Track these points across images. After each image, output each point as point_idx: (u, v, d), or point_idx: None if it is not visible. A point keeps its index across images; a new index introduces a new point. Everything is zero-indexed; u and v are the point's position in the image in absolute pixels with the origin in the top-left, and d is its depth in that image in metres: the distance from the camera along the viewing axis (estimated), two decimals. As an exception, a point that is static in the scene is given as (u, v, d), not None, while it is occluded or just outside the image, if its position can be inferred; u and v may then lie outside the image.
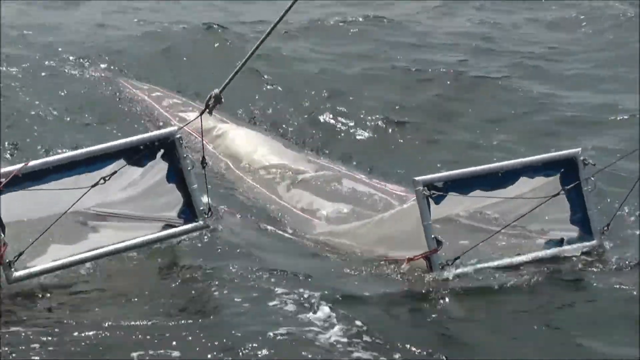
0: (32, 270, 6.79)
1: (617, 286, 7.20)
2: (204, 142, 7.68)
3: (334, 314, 6.50)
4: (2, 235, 6.62)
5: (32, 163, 6.88)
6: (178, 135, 7.17)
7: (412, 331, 6.57)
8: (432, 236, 7.19)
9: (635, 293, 7.07)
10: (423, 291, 7.12)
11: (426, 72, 13.43)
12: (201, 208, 7.26)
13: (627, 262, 7.56)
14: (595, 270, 7.52)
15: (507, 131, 11.29)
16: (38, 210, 6.91)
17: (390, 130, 11.44)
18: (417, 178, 7.31)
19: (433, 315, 6.78)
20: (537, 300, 7.01)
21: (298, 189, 9.18)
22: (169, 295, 6.81)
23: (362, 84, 13.00)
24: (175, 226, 7.26)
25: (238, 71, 6.97)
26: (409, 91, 12.76)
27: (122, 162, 6.99)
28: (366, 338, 6.23)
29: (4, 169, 6.84)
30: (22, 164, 6.82)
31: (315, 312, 6.46)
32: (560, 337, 6.50)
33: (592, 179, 7.57)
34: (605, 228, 7.61)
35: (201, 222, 7.29)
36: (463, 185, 7.35)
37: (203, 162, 7.18)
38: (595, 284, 7.36)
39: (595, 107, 12.02)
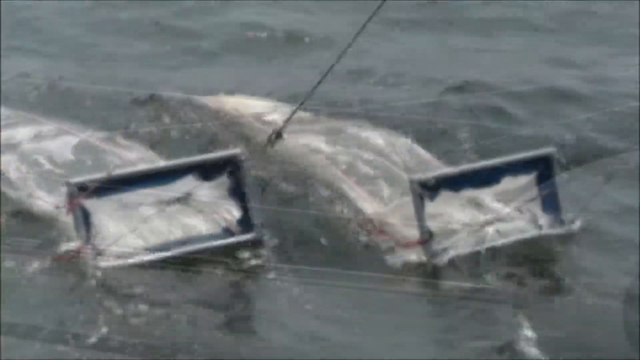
0: (114, 264, 7.84)
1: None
2: None
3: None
4: (86, 234, 7.76)
5: (116, 172, 8.02)
6: (242, 157, 8.24)
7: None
8: (425, 228, 8.25)
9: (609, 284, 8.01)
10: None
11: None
12: (256, 222, 8.27)
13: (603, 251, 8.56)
14: (570, 256, 8.55)
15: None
16: (120, 211, 8.00)
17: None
18: (412, 177, 8.38)
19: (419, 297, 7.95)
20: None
21: None
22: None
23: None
24: (233, 232, 8.25)
25: (300, 107, 8.11)
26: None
27: (192, 178, 8.10)
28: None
29: (91, 177, 7.95)
30: (106, 173, 7.94)
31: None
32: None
33: (565, 175, 8.67)
34: (575, 218, 8.61)
35: (255, 235, 8.27)
36: (453, 183, 8.35)
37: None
38: (573, 270, 8.35)
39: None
